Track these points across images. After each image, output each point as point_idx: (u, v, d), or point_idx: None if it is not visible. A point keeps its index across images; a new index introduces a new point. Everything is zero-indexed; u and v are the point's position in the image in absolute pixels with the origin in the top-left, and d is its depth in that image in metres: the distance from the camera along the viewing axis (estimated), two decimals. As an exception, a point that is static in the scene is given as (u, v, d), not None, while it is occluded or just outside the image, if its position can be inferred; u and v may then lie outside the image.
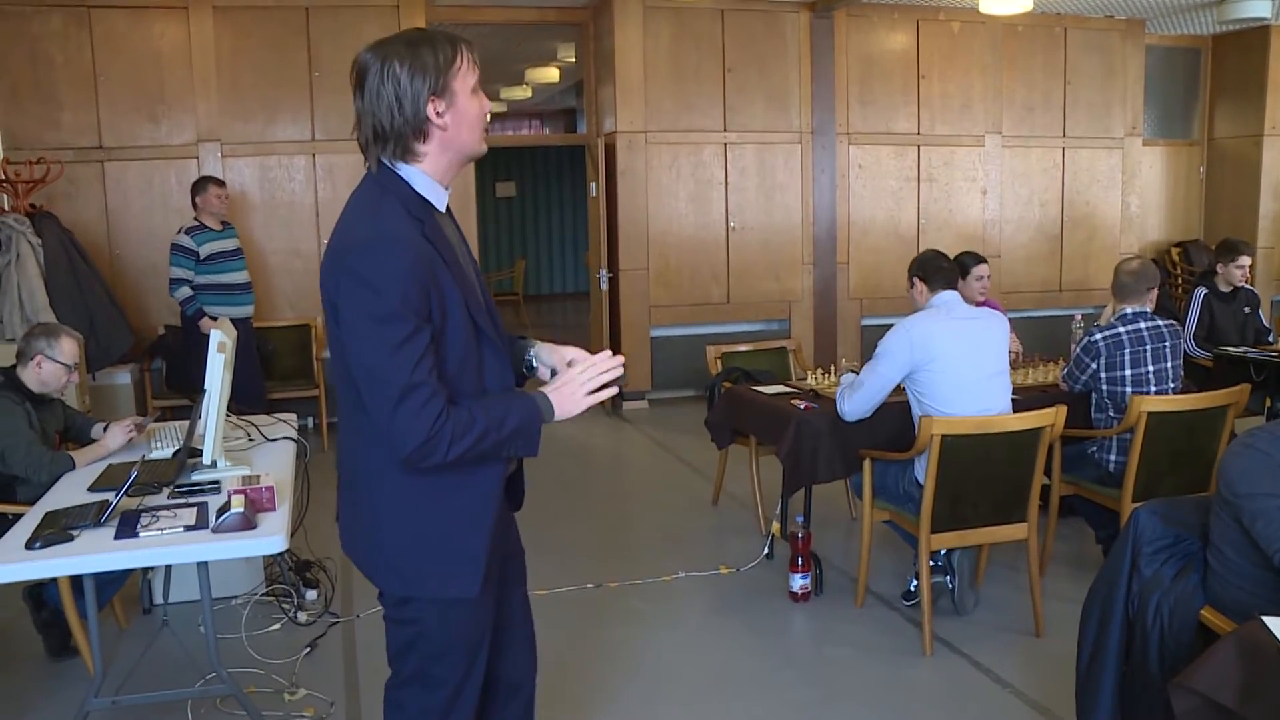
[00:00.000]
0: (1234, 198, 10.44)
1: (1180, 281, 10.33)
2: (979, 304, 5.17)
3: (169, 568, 4.10)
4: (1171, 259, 10.52)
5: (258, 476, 3.34)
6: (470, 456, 2.05)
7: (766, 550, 5.06)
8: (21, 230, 6.42)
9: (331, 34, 7.87)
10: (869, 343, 4.35)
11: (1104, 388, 4.61)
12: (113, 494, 3.16)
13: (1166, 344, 4.59)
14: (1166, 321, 4.66)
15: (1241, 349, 6.18)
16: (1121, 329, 4.58)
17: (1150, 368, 4.55)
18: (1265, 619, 2.20)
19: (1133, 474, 4.32)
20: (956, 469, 3.92)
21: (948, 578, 4.42)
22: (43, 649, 4.04)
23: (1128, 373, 4.55)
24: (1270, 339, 6.42)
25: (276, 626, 4.31)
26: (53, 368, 4.08)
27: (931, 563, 4.34)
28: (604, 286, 8.69)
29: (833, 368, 5.12)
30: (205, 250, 6.71)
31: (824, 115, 8.92)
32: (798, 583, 4.54)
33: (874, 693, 3.74)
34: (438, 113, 2.05)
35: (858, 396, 4.30)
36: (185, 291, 6.68)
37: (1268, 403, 5.64)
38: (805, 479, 4.56)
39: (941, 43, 9.21)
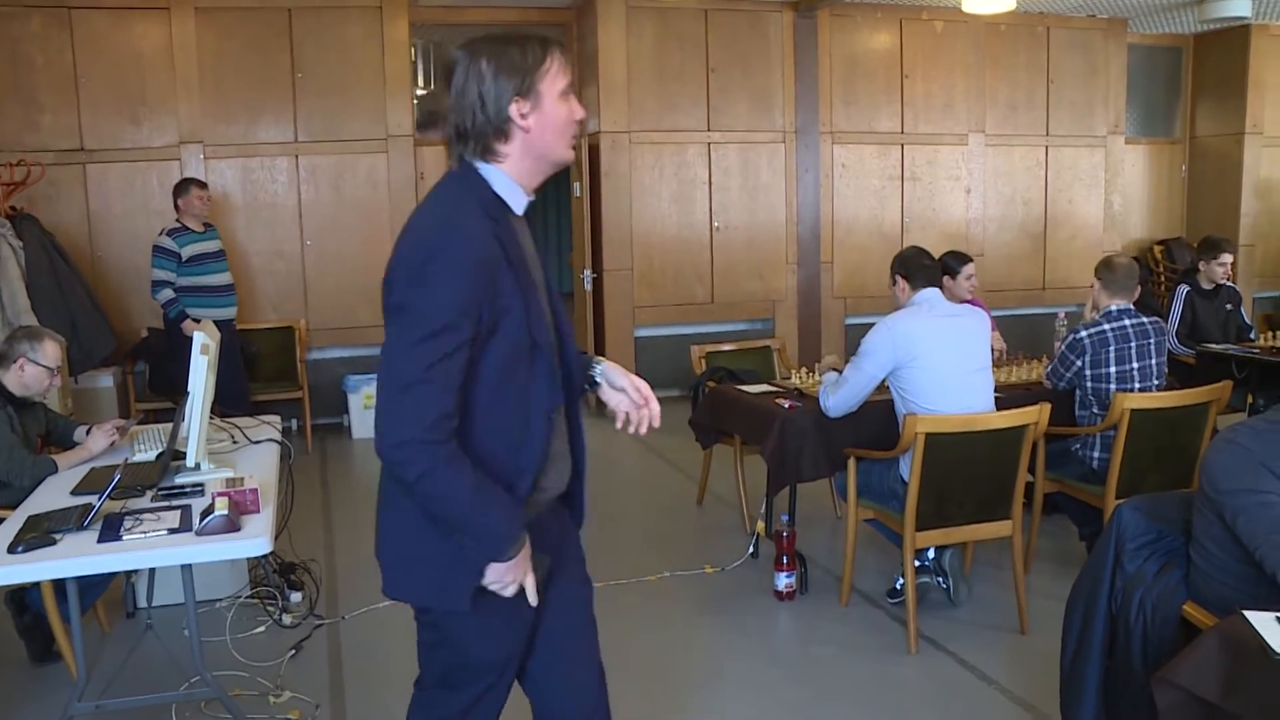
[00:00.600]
0: (1216, 196, 10.50)
1: (1163, 279, 10.38)
2: (965, 303, 5.18)
3: (152, 571, 4.08)
4: (1154, 257, 10.57)
5: (241, 479, 3.33)
6: (434, 506, 1.96)
7: (751, 549, 5.06)
8: (2, 233, 6.38)
9: (314, 35, 7.84)
10: (853, 341, 4.36)
11: (1089, 385, 4.63)
12: (95, 497, 3.15)
13: (1151, 341, 4.62)
14: (1150, 318, 4.68)
15: (1224, 346, 6.22)
16: (1107, 326, 4.59)
17: (1135, 365, 4.57)
18: (1246, 613, 2.22)
19: (1116, 471, 4.34)
20: (941, 467, 3.93)
21: (939, 579, 4.44)
22: (25, 654, 4.01)
23: (1112, 370, 4.56)
24: (1252, 336, 6.46)
25: (261, 629, 4.30)
26: (35, 371, 4.06)
27: (918, 563, 4.35)
28: (588, 287, 8.68)
29: (816, 366, 5.13)
30: (187, 252, 6.68)
31: (807, 115, 8.94)
32: (783, 581, 4.54)
33: (861, 691, 3.75)
34: (521, 114, 2.01)
35: (842, 393, 4.31)
36: (168, 294, 6.65)
37: (1250, 399, 5.67)
38: (790, 478, 4.57)
39: (925, 42, 9.23)
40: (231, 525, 2.99)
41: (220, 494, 3.07)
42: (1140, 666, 2.72)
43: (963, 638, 4.14)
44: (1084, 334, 4.62)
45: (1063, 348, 4.73)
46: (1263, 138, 10.22)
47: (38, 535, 2.95)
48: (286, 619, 4.35)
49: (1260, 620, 2.18)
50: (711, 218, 8.83)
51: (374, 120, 8.04)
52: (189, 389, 3.56)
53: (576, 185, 8.85)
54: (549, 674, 2.31)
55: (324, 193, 8.04)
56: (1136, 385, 4.55)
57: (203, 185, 6.90)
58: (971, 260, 5.63)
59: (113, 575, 3.81)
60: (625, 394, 2.30)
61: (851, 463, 4.32)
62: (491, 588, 2.04)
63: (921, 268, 4.27)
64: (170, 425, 3.87)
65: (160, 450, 3.85)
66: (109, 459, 3.92)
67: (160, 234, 6.71)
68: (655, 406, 2.30)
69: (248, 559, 4.52)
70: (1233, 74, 10.20)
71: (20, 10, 7.34)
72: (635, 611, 4.48)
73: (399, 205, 8.10)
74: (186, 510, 3.17)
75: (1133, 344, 4.57)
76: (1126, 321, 4.59)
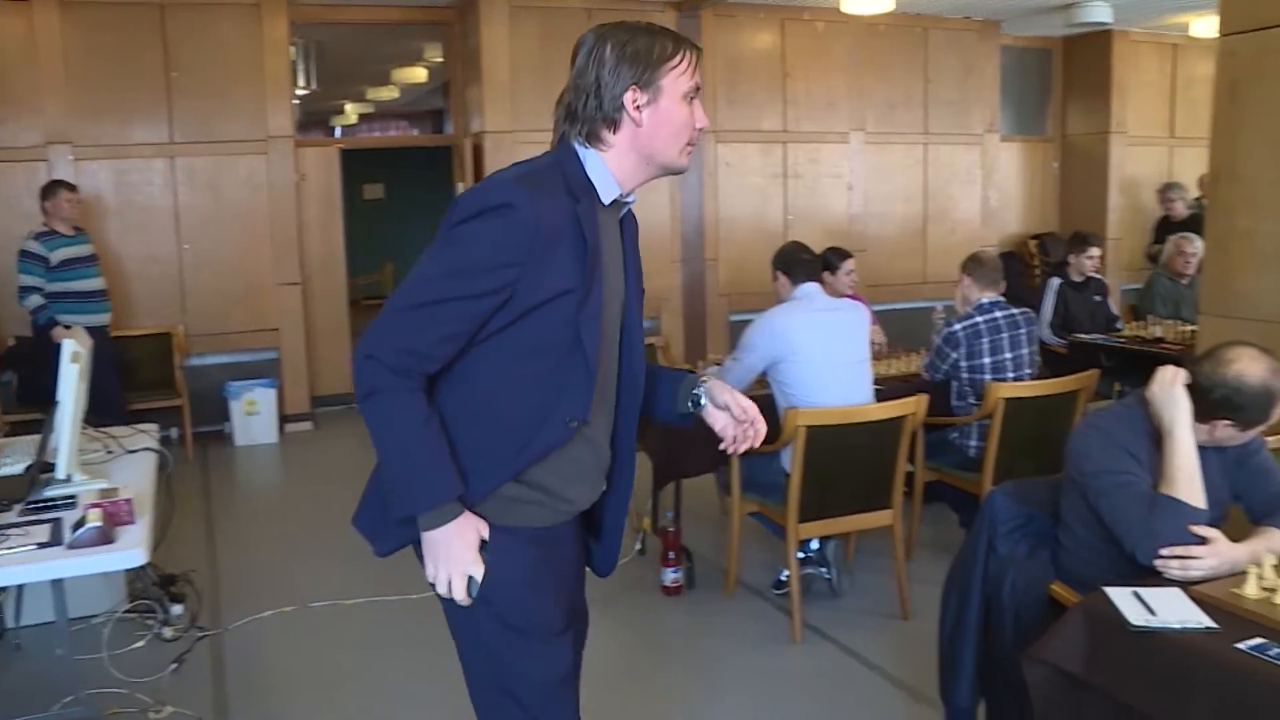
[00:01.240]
0: (1085, 192, 10.90)
1: (1038, 272, 10.72)
2: (845, 297, 5.28)
3: (20, 588, 3.93)
4: (1029, 250, 10.92)
5: (116, 490, 3.23)
6: (372, 431, 1.88)
7: (639, 546, 5.09)
8: None
9: (189, 33, 7.61)
10: (737, 338, 4.41)
11: (965, 375, 4.77)
12: (-43, 513, 3.03)
13: (1022, 331, 4.78)
14: (1021, 310, 4.85)
15: (1093, 336, 6.47)
16: (979, 319, 4.74)
17: (1008, 354, 4.73)
18: (1106, 590, 2.31)
19: (991, 458, 4.48)
20: (821, 459, 4.00)
21: (823, 570, 4.52)
22: (-115, 679, 3.85)
23: (987, 360, 4.71)
24: (1118, 326, 6.73)
25: (141, 644, 4.17)
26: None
27: (801, 554, 4.42)
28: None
29: (699, 364, 5.18)
30: (56, 256, 6.44)
31: (692, 114, 8.98)
32: (669, 577, 4.58)
33: (747, 680, 3.81)
34: (636, 105, 1.93)
35: (721, 387, 4.36)
36: (36, 300, 6.41)
37: (1116, 387, 5.89)
38: (674, 473, 4.61)
39: (806, 42, 9.37)
40: (104, 537, 2.89)
41: (92, 505, 2.97)
42: (1012, 645, 2.82)
43: (846, 626, 4.23)
44: (958, 327, 4.75)
45: (938, 341, 4.86)
46: (1126, 137, 10.65)
47: (-105, 554, 2.82)
48: (167, 632, 4.24)
49: (1118, 595, 2.28)
50: (598, 217, 8.81)
51: (253, 121, 7.84)
52: (58, 398, 3.44)
53: (460, 185, 8.79)
54: None
55: (201, 195, 7.81)
56: (1010, 375, 4.70)
57: (72, 188, 6.66)
58: (851, 256, 5.74)
59: (-21, 594, 3.67)
60: (729, 412, 2.15)
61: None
62: (426, 566, 1.95)
63: (801, 263, 4.34)
64: (39, 436, 3.73)
65: (29, 463, 3.71)
66: (-27, 473, 3.76)
67: (26, 237, 6.47)
68: (762, 426, 2.16)
69: (125, 572, 4.38)
70: (1098, 76, 10.61)
71: None
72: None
73: (279, 207, 7.94)
74: (57, 524, 3.06)
75: (1005, 334, 4.72)
76: (998, 313, 4.75)
